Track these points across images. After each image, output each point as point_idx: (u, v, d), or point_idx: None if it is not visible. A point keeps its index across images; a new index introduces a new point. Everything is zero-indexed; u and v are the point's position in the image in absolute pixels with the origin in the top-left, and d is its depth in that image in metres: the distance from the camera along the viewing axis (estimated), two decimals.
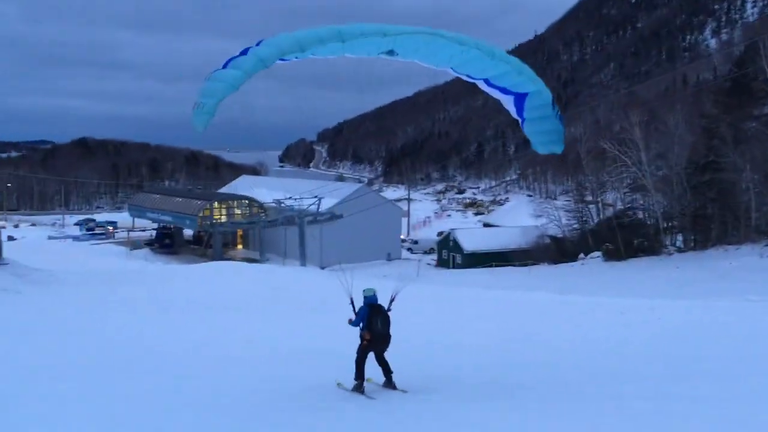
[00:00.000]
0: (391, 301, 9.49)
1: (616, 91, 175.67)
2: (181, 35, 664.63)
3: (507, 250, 56.77)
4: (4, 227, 63.36)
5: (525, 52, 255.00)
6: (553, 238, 55.42)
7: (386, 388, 9.28)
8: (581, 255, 48.89)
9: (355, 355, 9.21)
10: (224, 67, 9.21)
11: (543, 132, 9.93)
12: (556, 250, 52.91)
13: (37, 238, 73.34)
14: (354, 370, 9.18)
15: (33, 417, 8.82)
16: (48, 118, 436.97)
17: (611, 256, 45.74)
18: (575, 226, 55.11)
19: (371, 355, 9.22)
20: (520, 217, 72.42)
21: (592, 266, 45.41)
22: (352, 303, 9.48)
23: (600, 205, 54.39)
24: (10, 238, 64.14)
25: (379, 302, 9.24)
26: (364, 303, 9.21)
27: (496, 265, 51.34)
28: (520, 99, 9.94)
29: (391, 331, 9.19)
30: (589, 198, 55.29)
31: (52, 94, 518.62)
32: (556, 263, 49.75)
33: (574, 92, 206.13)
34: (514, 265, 50.70)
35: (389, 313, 9.27)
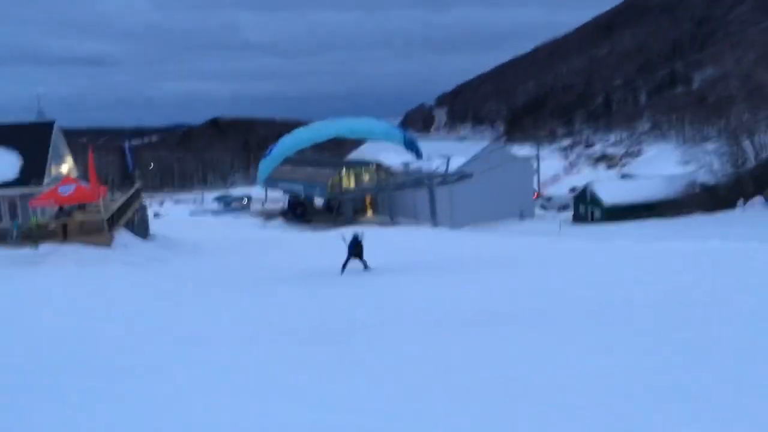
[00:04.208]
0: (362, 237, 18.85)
1: (756, 24, 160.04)
2: (297, 10, 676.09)
3: (651, 202, 52.81)
4: (150, 205, 66.99)
5: None
6: (704, 185, 50.81)
7: (365, 269, 18.44)
8: (740, 201, 44.44)
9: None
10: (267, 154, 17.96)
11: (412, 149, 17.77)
12: (708, 198, 48.48)
13: (180, 214, 77.21)
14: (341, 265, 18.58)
15: (187, 384, 8.20)
16: (182, 102, 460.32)
17: None
18: (728, 170, 50.15)
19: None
20: (661, 166, 67.61)
21: (754, 212, 41.14)
22: (345, 241, 18.88)
23: (758, 144, 49.11)
24: (156, 216, 67.73)
25: (359, 240, 18.61)
26: (351, 239, 18.65)
27: (645, 217, 47.73)
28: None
29: (365, 252, 18.72)
30: (745, 139, 50.02)
31: (185, 79, 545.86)
32: (710, 212, 45.57)
33: (709, 30, 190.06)
34: (664, 217, 46.95)
35: (362, 243, 18.66)
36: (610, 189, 57.75)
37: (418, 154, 17.87)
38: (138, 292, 17.90)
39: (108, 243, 24.22)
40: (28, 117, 30.59)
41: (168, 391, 7.87)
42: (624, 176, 74.31)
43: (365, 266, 18.51)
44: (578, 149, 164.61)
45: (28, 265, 21.69)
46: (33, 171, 26.31)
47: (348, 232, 19.18)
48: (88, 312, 15.00)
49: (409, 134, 18.58)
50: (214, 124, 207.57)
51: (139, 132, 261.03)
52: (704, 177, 51.06)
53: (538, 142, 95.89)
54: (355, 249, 18.48)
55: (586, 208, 58.83)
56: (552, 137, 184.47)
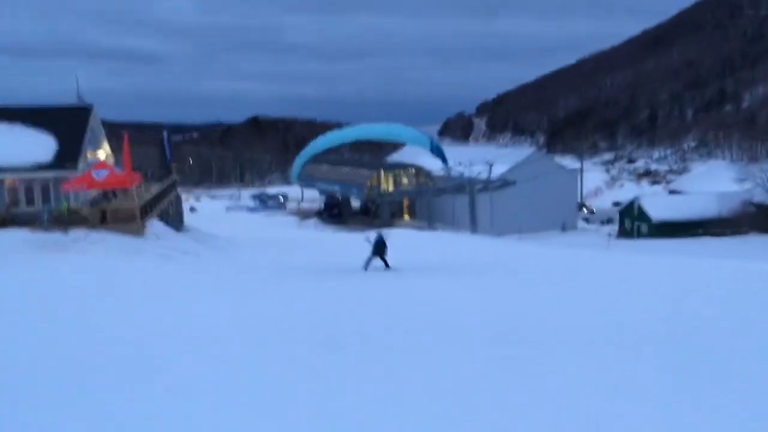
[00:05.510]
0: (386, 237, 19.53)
1: None
2: (340, 16, 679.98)
3: (702, 219, 50.46)
4: (187, 200, 66.71)
5: (703, 7, 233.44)
6: (761, 204, 48.30)
7: (386, 269, 18.90)
8: None
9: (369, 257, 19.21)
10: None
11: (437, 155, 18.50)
12: (765, 218, 46.09)
13: (216, 210, 76.86)
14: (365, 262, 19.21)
15: (190, 388, 7.09)
16: (224, 101, 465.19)
17: None
18: None
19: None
20: (710, 183, 64.99)
21: None
22: (369, 241, 19.35)
23: None
24: (192, 210, 67.40)
25: (383, 240, 19.15)
26: (376, 239, 19.20)
27: (703, 234, 45.52)
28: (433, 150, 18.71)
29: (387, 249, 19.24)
30: None
31: (228, 78, 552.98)
32: (765, 232, 43.32)
33: (762, 49, 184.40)
34: (715, 235, 44.76)
35: (386, 243, 19.22)
36: (659, 204, 55.40)
37: (444, 161, 19.01)
38: (166, 286, 16.90)
39: (140, 232, 23.34)
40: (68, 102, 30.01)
41: (166, 394, 7.11)
42: (672, 192, 71.53)
43: (386, 266, 19.06)
44: (620, 164, 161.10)
45: (56, 250, 20.88)
46: (68, 154, 25.56)
47: (373, 232, 19.98)
48: (110, 303, 13.99)
49: (436, 140, 19.52)
50: (255, 123, 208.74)
51: (180, 128, 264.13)
52: (761, 196, 48.57)
53: (581, 154, 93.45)
54: (379, 249, 19.08)
55: (633, 222, 56.61)
56: (594, 151, 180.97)
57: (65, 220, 22.66)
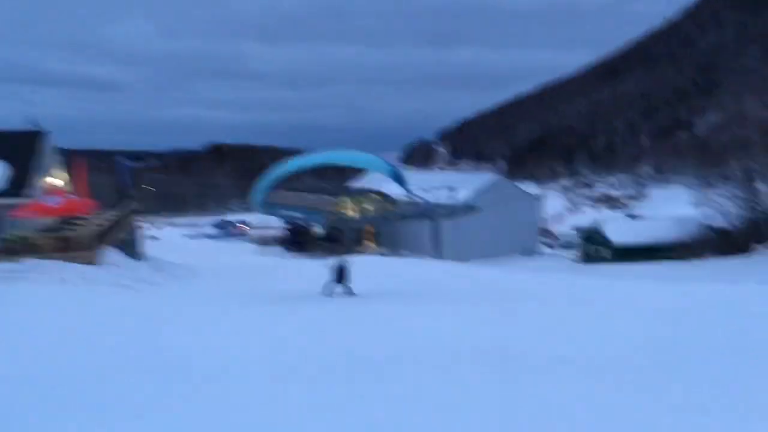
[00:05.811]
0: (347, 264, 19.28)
1: (762, 72, 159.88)
2: (302, 43, 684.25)
3: (662, 244, 51.25)
4: (146, 228, 65.33)
5: (656, 38, 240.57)
6: (717, 228, 49.26)
7: (349, 296, 18.64)
8: (755, 246, 42.98)
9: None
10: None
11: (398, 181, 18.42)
12: (722, 242, 46.97)
13: (176, 238, 75.52)
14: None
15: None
16: (185, 128, 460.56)
17: None
18: (742, 214, 48.71)
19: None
20: (668, 207, 66.18)
21: None
22: (331, 268, 19.23)
23: None
24: (151, 238, 65.98)
25: (345, 267, 18.96)
26: (337, 265, 19.02)
27: (656, 259, 46.19)
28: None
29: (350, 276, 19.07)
30: (759, 182, 48.67)
31: (188, 105, 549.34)
32: (723, 256, 44.07)
33: (715, 78, 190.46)
34: (675, 259, 45.41)
35: (348, 270, 19.03)
36: (620, 229, 56.21)
37: (406, 187, 19.19)
38: (124, 317, 16.16)
39: (95, 261, 22.50)
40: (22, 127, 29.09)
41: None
42: (632, 217, 72.70)
43: (349, 292, 18.89)
44: (579, 189, 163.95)
45: (4, 281, 19.92)
46: (18, 181, 24.71)
47: (335, 259, 19.75)
48: (66, 338, 13.24)
49: (397, 167, 19.60)
50: (216, 150, 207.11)
51: (140, 155, 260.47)
52: (717, 220, 49.56)
53: (543, 180, 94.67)
54: (340, 275, 19.03)
55: (594, 247, 57.19)
56: (553, 177, 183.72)
57: (15, 248, 21.74)
